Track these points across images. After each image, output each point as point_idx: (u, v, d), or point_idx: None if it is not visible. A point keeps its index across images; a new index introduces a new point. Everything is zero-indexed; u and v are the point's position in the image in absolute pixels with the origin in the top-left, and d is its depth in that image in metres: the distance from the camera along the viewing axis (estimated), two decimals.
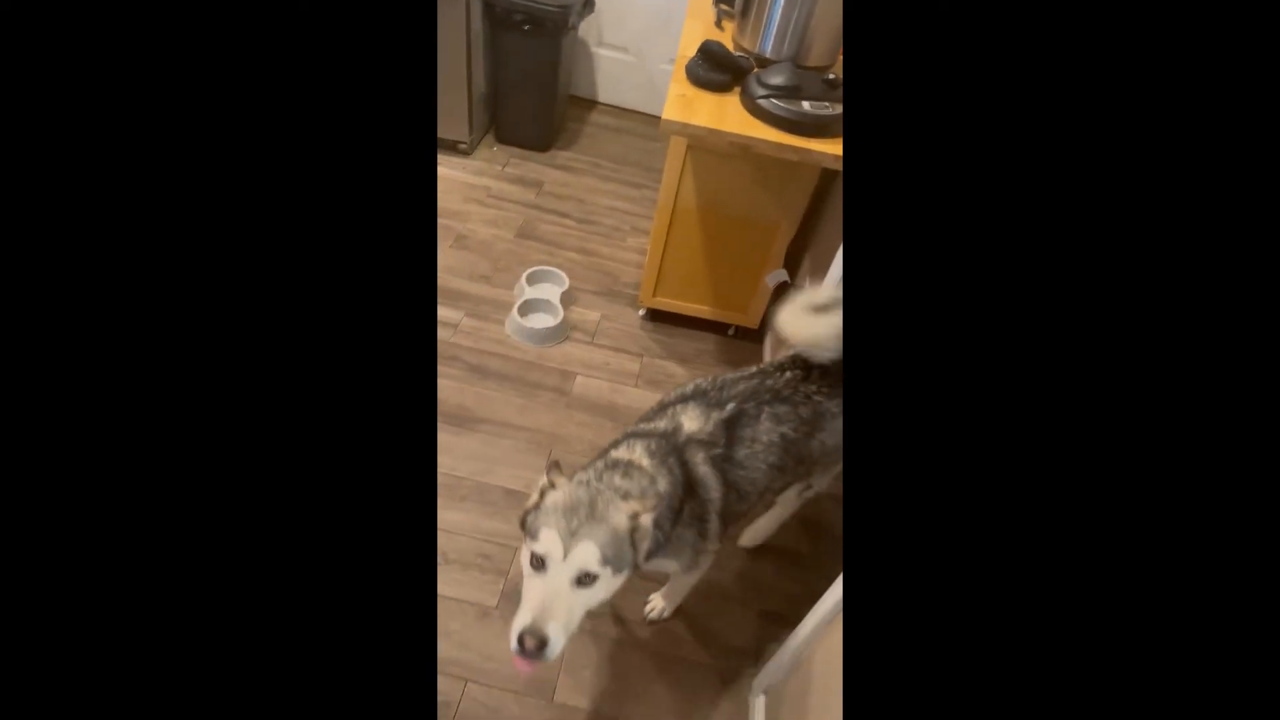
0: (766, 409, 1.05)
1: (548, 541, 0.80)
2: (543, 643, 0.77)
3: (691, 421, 1.02)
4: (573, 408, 1.71)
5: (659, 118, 1.34)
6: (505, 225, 2.24)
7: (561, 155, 2.62)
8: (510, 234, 2.21)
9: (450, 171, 2.41)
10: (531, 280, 1.98)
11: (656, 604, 1.32)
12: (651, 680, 1.25)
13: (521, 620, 0.78)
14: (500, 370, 1.77)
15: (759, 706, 1.21)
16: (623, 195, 2.48)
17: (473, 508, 1.45)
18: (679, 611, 1.35)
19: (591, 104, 2.96)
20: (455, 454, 1.54)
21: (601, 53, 2.84)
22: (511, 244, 2.17)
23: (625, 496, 0.87)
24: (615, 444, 1.00)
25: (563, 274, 2.02)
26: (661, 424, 1.03)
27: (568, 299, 1.98)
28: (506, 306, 1.93)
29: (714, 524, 1.03)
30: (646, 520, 0.85)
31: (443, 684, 1.18)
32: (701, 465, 0.99)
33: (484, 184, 2.39)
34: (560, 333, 1.88)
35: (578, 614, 0.81)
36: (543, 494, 0.86)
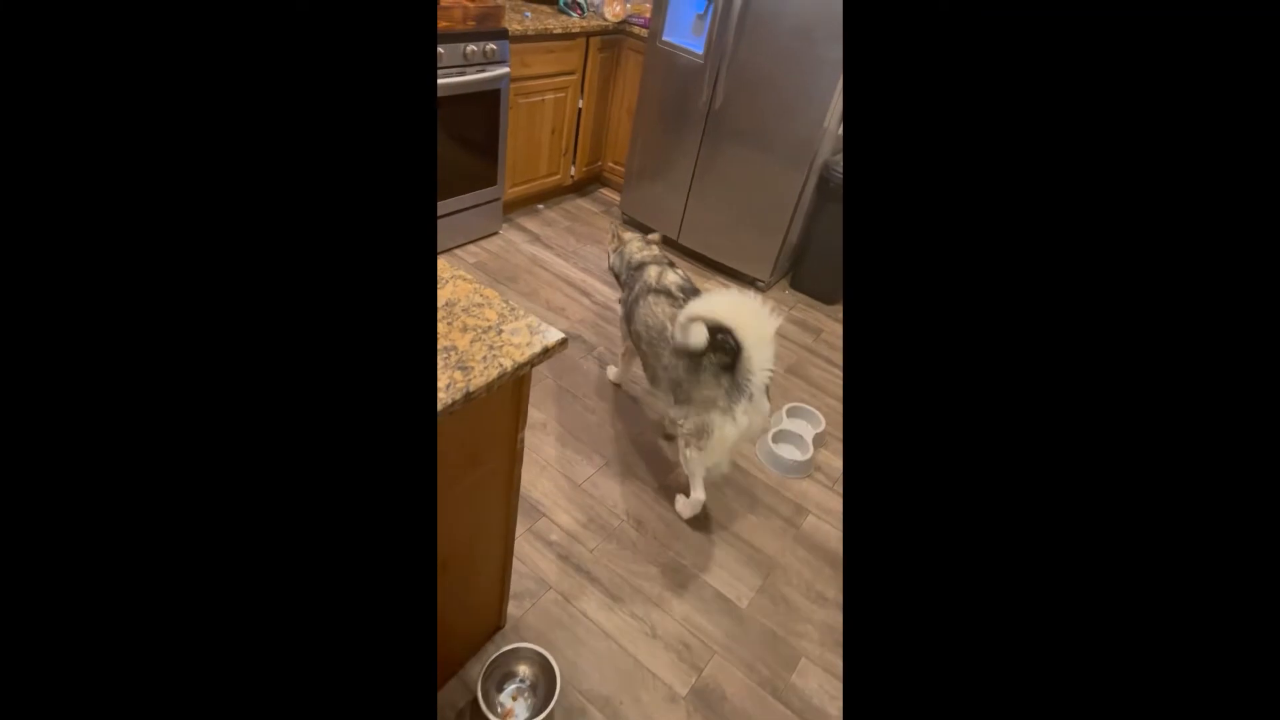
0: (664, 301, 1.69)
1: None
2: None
3: (672, 275, 1.76)
4: (799, 543, 1.76)
5: None
6: (778, 359, 2.45)
7: None
8: (781, 368, 2.40)
9: None
10: (791, 414, 2.13)
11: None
12: None
13: None
14: (741, 483, 1.90)
15: None
16: None
17: (688, 597, 1.56)
18: None
19: None
20: (687, 544, 1.69)
21: None
22: (780, 377, 2.36)
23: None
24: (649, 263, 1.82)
25: (820, 416, 2.13)
26: (662, 267, 1.79)
27: (819, 440, 2.07)
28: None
29: (625, 316, 1.83)
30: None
31: None
32: (647, 281, 1.75)
33: None
34: (805, 469, 1.97)
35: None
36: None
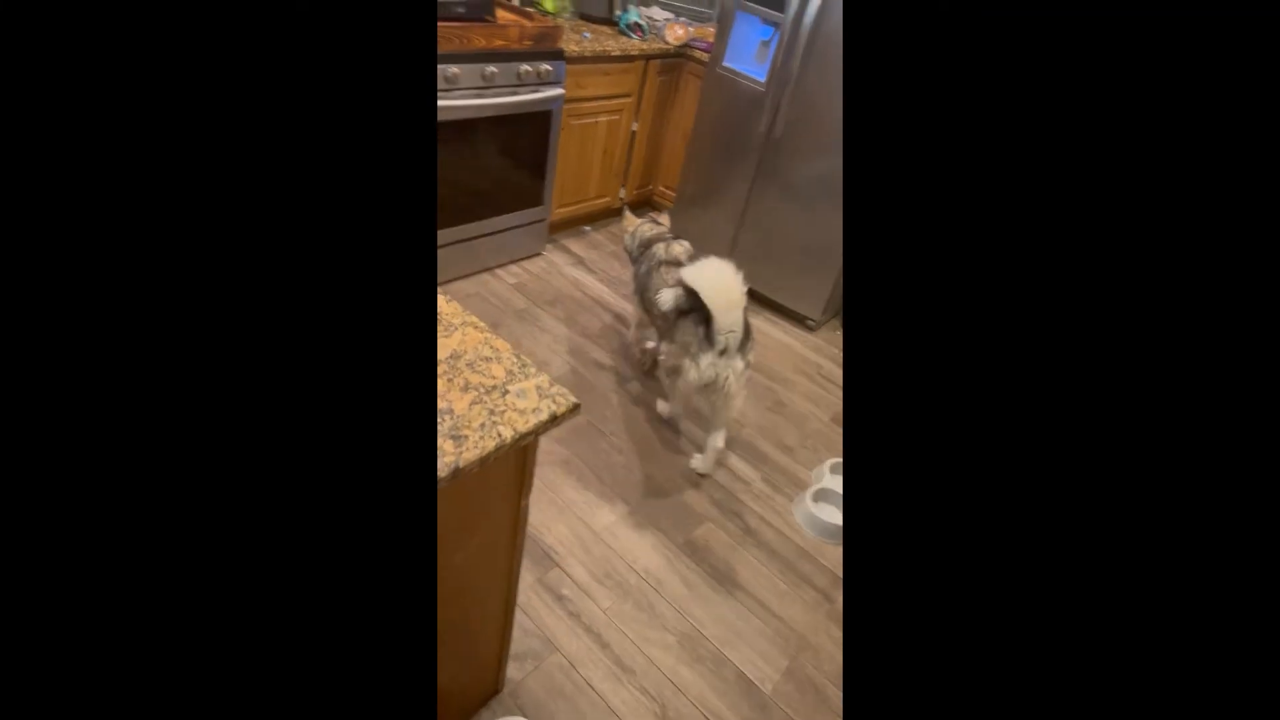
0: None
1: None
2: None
3: (678, 247, 2.01)
4: (833, 620, 1.59)
5: None
6: (824, 406, 2.28)
7: None
8: (826, 416, 2.24)
9: (790, 341, 2.59)
10: (834, 470, 1.96)
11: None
12: None
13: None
14: (775, 545, 1.75)
15: None
16: None
17: (706, 674, 1.42)
18: None
19: None
20: (709, 610, 1.55)
21: None
22: (824, 426, 2.20)
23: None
24: (662, 237, 2.09)
25: None
26: (668, 242, 2.05)
27: None
28: (801, 484, 1.94)
29: (638, 289, 2.06)
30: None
31: None
32: (656, 255, 1.98)
33: (817, 361, 2.50)
34: None
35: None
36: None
